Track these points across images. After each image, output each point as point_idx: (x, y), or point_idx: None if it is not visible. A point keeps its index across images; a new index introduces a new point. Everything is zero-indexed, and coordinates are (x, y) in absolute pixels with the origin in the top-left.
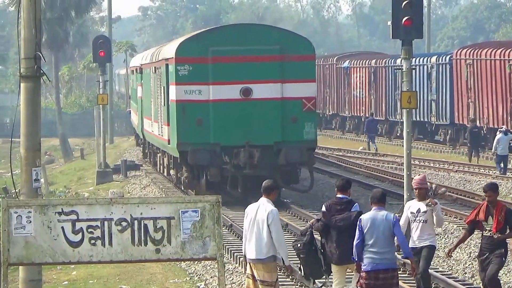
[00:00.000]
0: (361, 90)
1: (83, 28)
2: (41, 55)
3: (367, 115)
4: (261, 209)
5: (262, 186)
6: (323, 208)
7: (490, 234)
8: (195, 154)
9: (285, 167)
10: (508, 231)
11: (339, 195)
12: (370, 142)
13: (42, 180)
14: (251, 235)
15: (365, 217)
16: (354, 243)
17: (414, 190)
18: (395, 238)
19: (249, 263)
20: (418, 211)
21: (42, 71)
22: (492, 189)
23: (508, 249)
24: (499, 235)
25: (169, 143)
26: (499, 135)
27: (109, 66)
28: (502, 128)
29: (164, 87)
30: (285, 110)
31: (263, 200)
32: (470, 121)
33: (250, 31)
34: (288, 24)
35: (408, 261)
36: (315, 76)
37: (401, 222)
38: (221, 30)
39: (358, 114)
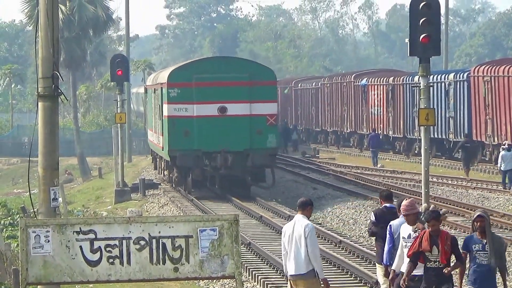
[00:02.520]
0: (378, 108)
1: (101, 47)
2: (58, 75)
3: (369, 131)
4: (297, 225)
5: (298, 202)
6: (373, 218)
7: (437, 265)
8: (182, 158)
9: (253, 169)
10: (452, 261)
11: (386, 205)
12: (374, 157)
13: (60, 199)
14: (290, 252)
15: (395, 223)
16: (386, 249)
17: (403, 216)
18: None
19: (290, 280)
20: (409, 236)
21: (59, 90)
22: (434, 218)
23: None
24: (448, 268)
25: (163, 150)
26: (502, 152)
27: (127, 85)
28: (505, 144)
29: (159, 105)
30: (253, 124)
31: (298, 216)
32: (465, 136)
33: (226, 62)
34: (305, 42)
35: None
36: (276, 97)
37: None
38: (203, 62)
39: (376, 132)
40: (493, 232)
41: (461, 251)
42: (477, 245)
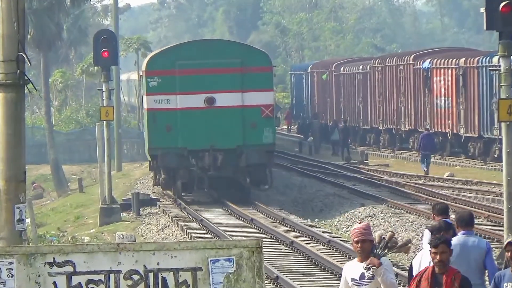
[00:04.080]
0: (446, 99)
1: (81, 21)
2: (25, 57)
3: (423, 129)
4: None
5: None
6: (428, 235)
7: None
8: (165, 157)
9: (248, 169)
10: None
11: (443, 219)
12: (424, 162)
13: (27, 220)
14: None
15: (453, 242)
16: None
17: (354, 244)
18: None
19: None
20: (362, 277)
21: (27, 78)
22: (445, 242)
23: None
24: None
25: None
26: None
27: (115, 69)
28: None
29: (142, 96)
30: (245, 117)
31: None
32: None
33: (213, 46)
34: (350, 13)
35: None
36: (272, 85)
37: None
38: (187, 45)
39: (443, 130)
40: None
41: None
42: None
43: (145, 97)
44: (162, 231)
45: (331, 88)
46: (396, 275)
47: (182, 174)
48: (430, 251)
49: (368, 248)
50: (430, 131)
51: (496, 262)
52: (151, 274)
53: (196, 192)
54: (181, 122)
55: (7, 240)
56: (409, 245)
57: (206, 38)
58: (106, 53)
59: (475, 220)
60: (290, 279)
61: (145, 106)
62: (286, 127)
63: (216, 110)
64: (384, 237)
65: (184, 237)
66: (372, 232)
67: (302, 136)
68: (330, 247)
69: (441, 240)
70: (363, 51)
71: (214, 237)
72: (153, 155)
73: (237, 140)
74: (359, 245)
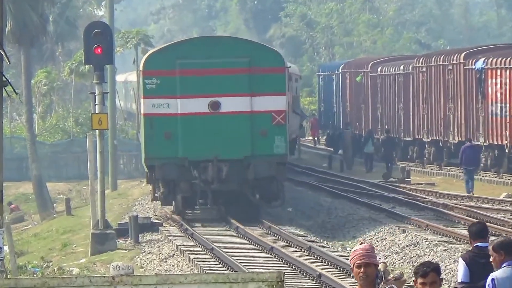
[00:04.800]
0: (503, 105)
1: (70, 11)
2: (3, 54)
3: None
4: None
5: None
6: (462, 266)
7: None
8: (163, 169)
9: (258, 182)
10: None
11: (478, 244)
12: (468, 180)
13: (5, 248)
14: None
15: (499, 275)
16: None
17: (355, 269)
18: None
19: None
20: None
21: (5, 79)
22: (434, 270)
23: None
24: None
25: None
26: None
27: (110, 69)
28: None
29: (140, 100)
30: (254, 124)
31: None
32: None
33: (218, 43)
34: (388, 3)
35: None
36: (285, 89)
37: None
38: (190, 43)
39: (500, 143)
40: None
41: None
42: None
43: (141, 101)
44: (165, 261)
45: (366, 92)
46: None
47: (183, 187)
48: (415, 281)
49: (372, 274)
50: (473, 143)
51: None
52: None
53: (199, 209)
54: (182, 129)
55: None
56: (404, 278)
57: (217, 32)
58: (99, 50)
59: None
60: None
61: (141, 111)
62: (312, 138)
63: (222, 116)
64: (380, 269)
65: (192, 269)
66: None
67: (332, 149)
68: None
69: (430, 268)
70: (404, 48)
71: (227, 269)
72: (150, 166)
73: (245, 150)
74: (362, 270)
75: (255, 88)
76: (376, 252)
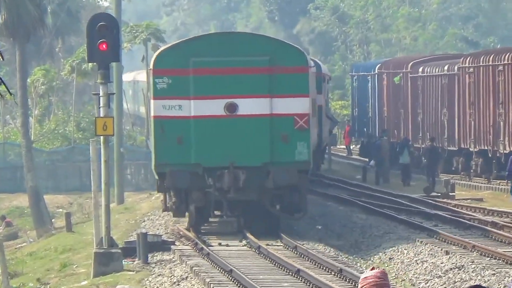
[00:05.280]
0: None
1: (71, 2)
2: None
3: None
4: None
5: None
6: None
7: None
8: (174, 176)
9: (278, 192)
10: None
11: None
12: None
13: None
14: None
15: None
16: None
17: None
18: None
19: None
20: None
21: None
22: None
23: None
24: None
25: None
26: None
27: (117, 67)
28: None
29: (150, 102)
30: (274, 128)
31: None
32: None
33: (236, 40)
34: None
35: None
36: (308, 90)
37: None
38: (205, 39)
39: None
40: None
41: None
42: None
43: (152, 102)
44: (178, 284)
45: (405, 96)
46: None
47: (196, 197)
48: None
49: None
50: None
51: None
52: None
53: (216, 221)
54: (196, 133)
55: None
56: None
57: (238, 26)
58: (104, 45)
59: None
60: None
61: (151, 113)
62: (345, 147)
63: (239, 119)
64: None
65: None
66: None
67: (366, 160)
68: None
69: None
70: (449, 46)
71: None
72: (160, 173)
73: (264, 156)
74: None
75: (276, 89)
76: (415, 276)
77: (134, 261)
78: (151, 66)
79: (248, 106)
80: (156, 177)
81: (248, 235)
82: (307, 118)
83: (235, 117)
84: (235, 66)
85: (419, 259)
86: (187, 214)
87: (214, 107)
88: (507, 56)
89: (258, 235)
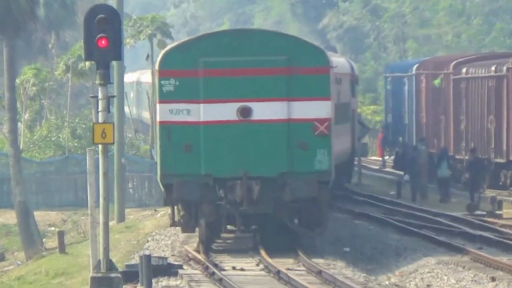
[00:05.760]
0: None
1: None
2: None
3: None
4: None
5: None
6: None
7: None
8: (182, 187)
9: (296, 204)
10: None
11: None
12: None
13: None
14: None
15: None
16: None
17: None
18: None
19: None
20: None
21: None
22: None
23: None
24: None
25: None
26: None
27: (118, 67)
28: None
29: (155, 105)
30: (292, 135)
31: None
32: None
33: (250, 38)
34: None
35: None
36: (329, 93)
37: None
38: (215, 37)
39: None
40: None
41: None
42: None
43: (157, 106)
44: None
45: (447, 100)
46: None
47: (206, 210)
48: None
49: None
50: None
51: None
52: None
53: (229, 238)
54: (205, 141)
55: None
56: None
57: (256, 20)
58: (103, 41)
59: None
60: None
61: (157, 119)
62: (380, 158)
63: (253, 124)
64: None
65: None
66: None
67: (401, 173)
68: None
69: None
70: (496, 43)
71: None
72: (167, 184)
73: (280, 165)
74: None
75: (294, 91)
76: None
77: (136, 287)
78: (156, 67)
79: (264, 111)
80: (162, 189)
81: (265, 255)
82: (328, 123)
83: (249, 123)
84: (249, 66)
85: (461, 286)
86: (196, 229)
87: (226, 112)
88: None
89: (274, 252)
